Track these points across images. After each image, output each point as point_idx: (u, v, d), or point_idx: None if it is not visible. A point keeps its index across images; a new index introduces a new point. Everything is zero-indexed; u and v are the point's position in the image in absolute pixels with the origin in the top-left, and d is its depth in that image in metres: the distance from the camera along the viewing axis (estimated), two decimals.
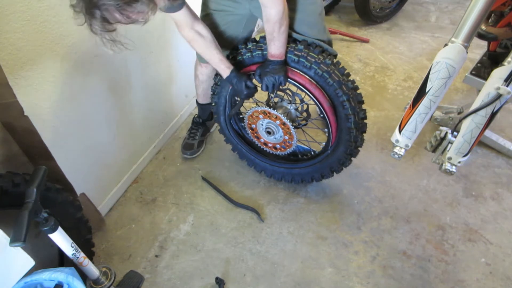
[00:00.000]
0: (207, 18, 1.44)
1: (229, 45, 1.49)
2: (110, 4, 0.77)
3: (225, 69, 1.38)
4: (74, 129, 1.37)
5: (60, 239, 1.01)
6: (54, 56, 1.19)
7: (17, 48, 1.06)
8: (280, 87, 1.38)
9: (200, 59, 1.59)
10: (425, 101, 1.10)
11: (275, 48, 1.27)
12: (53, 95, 1.23)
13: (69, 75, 1.28)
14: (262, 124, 1.54)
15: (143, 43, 1.61)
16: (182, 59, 1.94)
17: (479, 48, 2.37)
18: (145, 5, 0.80)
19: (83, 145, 1.44)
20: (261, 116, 1.50)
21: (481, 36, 1.57)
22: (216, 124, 2.03)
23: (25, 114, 1.08)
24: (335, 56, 1.41)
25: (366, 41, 2.74)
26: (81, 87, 1.35)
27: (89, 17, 0.80)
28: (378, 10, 2.87)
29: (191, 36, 1.30)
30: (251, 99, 1.49)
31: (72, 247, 1.05)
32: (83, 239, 1.29)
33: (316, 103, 1.37)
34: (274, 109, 1.45)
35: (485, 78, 1.36)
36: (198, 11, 1.46)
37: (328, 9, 3.10)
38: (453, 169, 1.15)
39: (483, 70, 1.74)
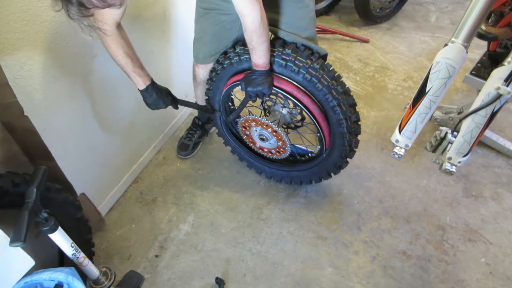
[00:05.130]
0: (200, 18, 1.43)
1: (224, 46, 1.46)
2: None
3: (143, 76, 1.30)
4: (74, 129, 1.37)
5: (60, 239, 1.01)
6: (54, 56, 1.19)
7: (17, 48, 1.06)
8: (265, 97, 1.35)
9: (197, 60, 1.58)
10: (425, 101, 1.10)
11: (257, 58, 1.24)
12: (53, 95, 1.24)
13: (69, 75, 1.28)
14: (256, 131, 1.53)
15: (143, 43, 1.61)
16: (182, 59, 1.94)
17: (479, 48, 2.37)
18: None
19: (83, 145, 1.44)
20: (253, 124, 1.50)
21: (481, 36, 1.57)
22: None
23: (25, 114, 1.08)
24: (325, 56, 1.37)
25: (366, 41, 2.74)
26: (81, 87, 1.35)
27: (66, 2, 0.80)
28: (378, 10, 2.87)
29: (114, 32, 1.18)
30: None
31: (72, 247, 1.05)
32: (83, 239, 1.29)
33: (305, 111, 1.34)
34: (265, 117, 1.44)
35: (485, 78, 1.36)
36: (192, 12, 1.46)
37: (328, 9, 3.10)
38: (453, 169, 1.15)
39: (483, 70, 1.74)
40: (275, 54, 1.29)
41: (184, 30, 1.87)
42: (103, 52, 1.38)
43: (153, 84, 1.36)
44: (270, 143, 1.55)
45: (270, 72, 1.31)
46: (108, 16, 1.14)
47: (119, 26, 1.20)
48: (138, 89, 1.35)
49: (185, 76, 1.93)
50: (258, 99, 1.37)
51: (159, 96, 1.38)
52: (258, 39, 1.17)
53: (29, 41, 1.09)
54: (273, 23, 1.32)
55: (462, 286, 1.37)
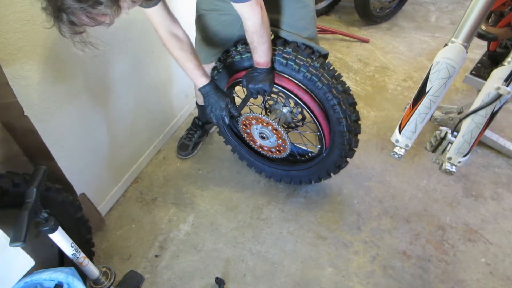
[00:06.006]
0: (201, 19, 1.43)
1: (226, 45, 1.47)
2: (75, 8, 0.77)
3: (200, 77, 1.32)
4: (74, 129, 1.37)
5: (60, 239, 1.01)
6: (54, 56, 1.19)
7: (17, 48, 1.06)
8: (266, 94, 1.36)
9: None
10: (425, 101, 1.10)
11: (258, 57, 1.26)
12: (53, 95, 1.23)
13: (69, 75, 1.28)
14: (256, 129, 1.54)
15: (143, 43, 1.61)
16: None
17: (479, 48, 2.36)
18: (109, 8, 0.81)
19: (83, 145, 1.44)
20: (253, 121, 1.50)
21: (481, 36, 1.57)
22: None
23: (25, 114, 1.08)
24: (326, 56, 1.37)
25: (366, 41, 2.74)
26: (81, 87, 1.35)
27: (57, 20, 0.81)
28: (378, 10, 2.87)
29: (166, 38, 1.24)
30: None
31: (72, 247, 1.05)
32: (83, 239, 1.29)
33: (305, 109, 1.35)
34: (265, 115, 1.45)
35: (485, 78, 1.36)
36: (193, 13, 1.46)
37: (328, 9, 3.10)
38: (453, 169, 1.15)
39: (483, 70, 1.74)
40: (276, 52, 1.30)
41: (183, 30, 1.87)
42: (102, 52, 1.38)
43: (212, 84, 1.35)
44: (270, 142, 1.55)
45: (271, 70, 1.32)
46: (156, 25, 1.22)
47: (172, 32, 1.24)
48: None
49: (185, 75, 1.93)
50: (259, 96, 1.38)
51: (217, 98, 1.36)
52: (259, 40, 1.20)
53: (29, 41, 1.09)
54: (274, 23, 1.34)
55: (462, 286, 1.37)
